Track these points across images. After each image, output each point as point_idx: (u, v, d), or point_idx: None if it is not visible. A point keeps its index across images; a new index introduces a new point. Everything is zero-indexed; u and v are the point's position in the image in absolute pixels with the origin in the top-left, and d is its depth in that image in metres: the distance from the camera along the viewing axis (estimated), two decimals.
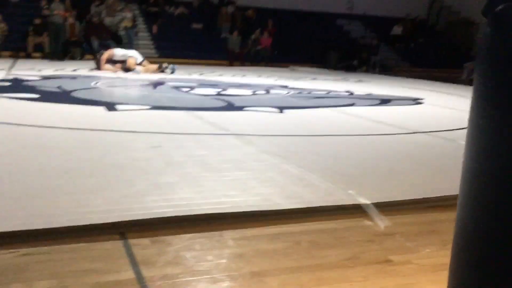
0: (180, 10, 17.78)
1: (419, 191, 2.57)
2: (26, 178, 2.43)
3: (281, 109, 5.45)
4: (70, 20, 14.26)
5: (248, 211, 2.11)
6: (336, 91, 7.97)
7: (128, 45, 14.60)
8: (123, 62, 9.71)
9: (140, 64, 9.79)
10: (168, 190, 2.34)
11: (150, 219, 1.96)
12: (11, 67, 9.26)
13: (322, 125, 4.60)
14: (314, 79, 10.80)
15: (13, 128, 3.61)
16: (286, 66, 15.06)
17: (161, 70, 9.86)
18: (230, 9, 17.89)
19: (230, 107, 5.48)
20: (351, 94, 7.77)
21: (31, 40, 13.43)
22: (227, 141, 3.59)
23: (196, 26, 17.29)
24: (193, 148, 3.28)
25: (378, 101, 6.80)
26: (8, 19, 13.66)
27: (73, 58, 13.82)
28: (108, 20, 15.49)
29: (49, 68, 9.40)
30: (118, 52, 9.80)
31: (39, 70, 8.79)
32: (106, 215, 1.96)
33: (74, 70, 9.35)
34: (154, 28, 16.00)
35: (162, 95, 6.30)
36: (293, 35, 17.40)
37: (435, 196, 2.49)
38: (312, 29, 18.04)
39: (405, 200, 2.44)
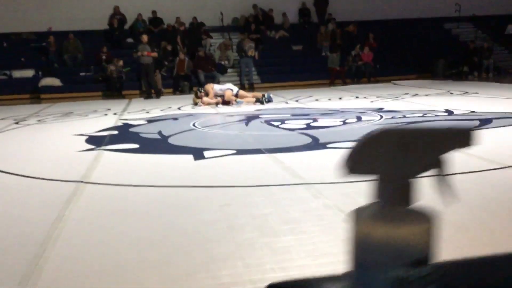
0: (280, 33, 18.18)
1: None
2: (99, 250, 2.71)
3: None
4: (181, 56, 15.30)
5: None
6: (434, 111, 7.61)
7: (248, 72, 15.37)
8: (221, 96, 10.21)
9: (236, 95, 10.22)
10: (220, 265, 2.47)
11: None
12: (124, 110, 10.16)
13: None
14: (415, 95, 10.39)
15: (104, 190, 4.01)
16: (389, 81, 14.65)
17: (258, 101, 10.17)
18: (330, 26, 17.88)
19: (314, 145, 5.52)
20: (450, 113, 7.37)
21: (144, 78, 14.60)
22: (297, 193, 3.65)
23: (296, 47, 17.54)
24: (260, 205, 3.39)
25: (477, 122, 6.39)
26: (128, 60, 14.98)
27: (182, 92, 14.79)
28: (227, 53, 16.56)
29: (157, 108, 10.14)
30: (216, 87, 10.32)
31: (147, 112, 9.53)
32: None
33: (179, 108, 9.99)
34: (256, 55, 16.47)
35: (251, 134, 6.51)
36: (397, 46, 16.89)
37: None
38: (417, 37, 17.35)
39: None
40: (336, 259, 2.48)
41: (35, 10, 17.41)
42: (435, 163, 0.82)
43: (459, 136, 0.81)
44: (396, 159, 0.80)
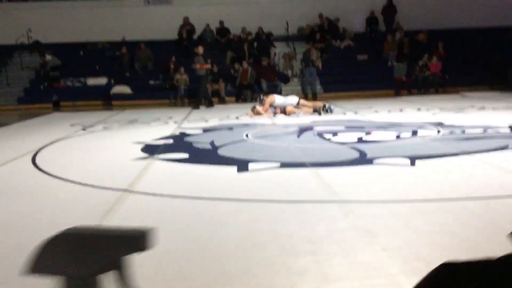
0: (346, 42, 17.97)
1: None
2: None
3: (415, 160, 5.21)
4: (244, 65, 15.54)
5: None
6: (497, 127, 7.23)
7: (312, 82, 15.24)
8: (282, 107, 10.27)
9: (297, 106, 10.27)
10: (233, 282, 2.51)
11: None
12: (184, 118, 10.47)
13: (447, 184, 4.28)
14: (482, 108, 9.91)
15: (144, 200, 4.17)
16: (458, 92, 14.05)
17: (315, 111, 10.13)
18: (398, 35, 17.45)
19: (360, 160, 5.42)
20: None
21: (209, 87, 14.96)
22: (327, 211, 3.62)
23: (361, 57, 17.25)
24: (287, 222, 3.39)
25: None
26: (191, 70, 15.38)
27: (245, 100, 15.01)
28: (292, 63, 16.69)
29: (216, 117, 10.34)
30: (278, 100, 10.37)
31: (206, 121, 9.76)
32: None
33: (237, 118, 10.14)
34: (319, 64, 16.33)
35: (300, 146, 6.50)
36: (468, 55, 16.19)
37: None
38: (489, 46, 16.54)
39: None
40: (350, 284, 2.46)
41: (110, 20, 18.35)
42: (114, 264, 0.84)
43: (135, 239, 0.83)
44: (74, 259, 0.82)
